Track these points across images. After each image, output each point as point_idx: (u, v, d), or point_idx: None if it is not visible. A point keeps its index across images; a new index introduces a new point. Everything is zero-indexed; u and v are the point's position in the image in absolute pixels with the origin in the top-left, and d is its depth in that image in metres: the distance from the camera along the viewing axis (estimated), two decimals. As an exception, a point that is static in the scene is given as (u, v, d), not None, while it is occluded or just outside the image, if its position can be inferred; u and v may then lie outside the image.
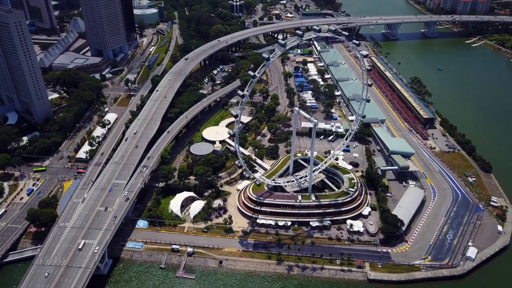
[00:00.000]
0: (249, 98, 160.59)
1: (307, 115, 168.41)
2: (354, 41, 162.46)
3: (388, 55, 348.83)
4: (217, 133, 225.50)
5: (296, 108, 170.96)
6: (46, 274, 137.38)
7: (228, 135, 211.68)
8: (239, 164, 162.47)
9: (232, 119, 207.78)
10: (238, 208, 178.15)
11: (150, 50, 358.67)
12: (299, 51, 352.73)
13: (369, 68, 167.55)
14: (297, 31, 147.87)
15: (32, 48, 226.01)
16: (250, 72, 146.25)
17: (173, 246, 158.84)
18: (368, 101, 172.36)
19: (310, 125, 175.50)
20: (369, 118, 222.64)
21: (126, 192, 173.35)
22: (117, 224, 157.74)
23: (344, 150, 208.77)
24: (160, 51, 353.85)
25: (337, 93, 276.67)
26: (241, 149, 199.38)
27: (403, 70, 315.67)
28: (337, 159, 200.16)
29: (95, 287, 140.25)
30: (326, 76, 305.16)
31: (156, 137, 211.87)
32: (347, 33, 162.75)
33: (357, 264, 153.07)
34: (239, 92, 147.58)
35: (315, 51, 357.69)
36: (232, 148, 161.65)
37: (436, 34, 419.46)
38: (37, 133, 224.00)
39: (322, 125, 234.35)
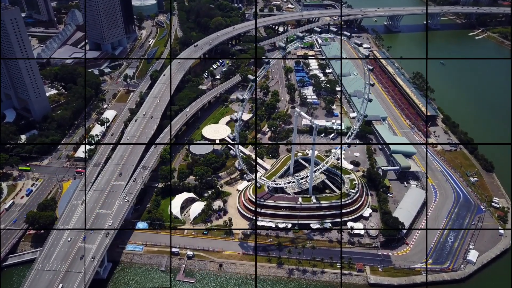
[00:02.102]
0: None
1: (308, 117, 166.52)
2: (355, 41, 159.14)
3: (390, 48, 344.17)
4: (217, 131, 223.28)
5: (297, 110, 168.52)
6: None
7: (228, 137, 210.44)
8: (239, 167, 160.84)
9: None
10: (238, 210, 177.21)
11: (149, 43, 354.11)
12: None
13: (371, 68, 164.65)
14: (297, 33, 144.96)
15: (29, 45, 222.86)
16: (250, 76, 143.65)
17: (173, 249, 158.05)
18: (370, 100, 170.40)
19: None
20: (370, 116, 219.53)
21: (110, 221, 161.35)
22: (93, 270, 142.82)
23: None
24: (159, 44, 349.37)
25: (338, 88, 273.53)
26: (241, 148, 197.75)
27: (405, 65, 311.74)
28: (338, 158, 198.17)
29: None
30: (328, 70, 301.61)
31: (155, 136, 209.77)
32: (348, 34, 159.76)
33: (358, 268, 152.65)
34: (239, 96, 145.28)
35: (316, 44, 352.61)
36: (232, 152, 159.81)
37: (439, 26, 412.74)
38: (35, 131, 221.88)
39: (323, 122, 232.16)
